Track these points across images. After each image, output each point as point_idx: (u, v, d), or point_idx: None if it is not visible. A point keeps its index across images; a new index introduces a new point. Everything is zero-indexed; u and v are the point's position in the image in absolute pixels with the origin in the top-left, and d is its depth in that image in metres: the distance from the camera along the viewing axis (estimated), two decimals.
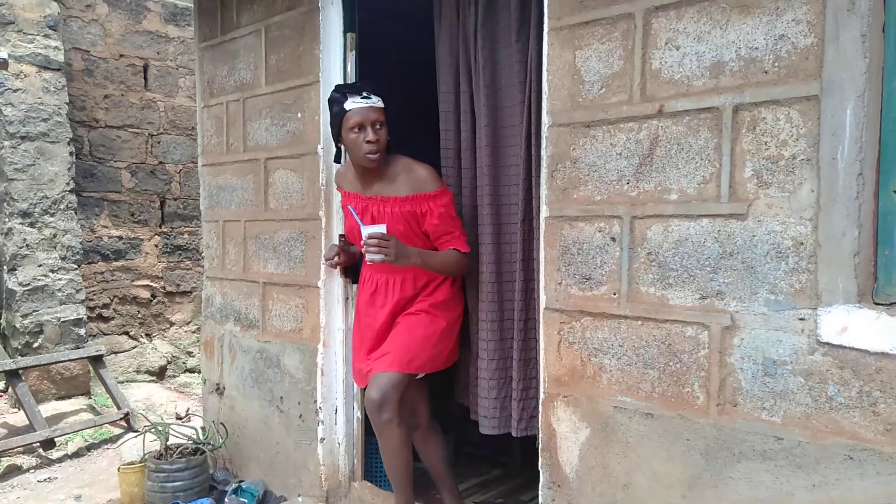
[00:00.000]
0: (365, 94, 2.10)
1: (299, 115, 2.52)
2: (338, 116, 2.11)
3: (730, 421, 1.53)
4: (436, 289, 2.19)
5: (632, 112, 1.66)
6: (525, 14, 2.05)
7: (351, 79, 2.41)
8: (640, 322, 1.67)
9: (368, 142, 2.07)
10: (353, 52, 2.42)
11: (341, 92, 2.12)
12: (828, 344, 1.40)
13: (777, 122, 1.45)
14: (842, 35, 1.35)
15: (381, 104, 2.12)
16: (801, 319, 1.43)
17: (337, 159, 2.29)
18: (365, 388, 2.19)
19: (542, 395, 1.87)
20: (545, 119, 1.82)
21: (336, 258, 2.30)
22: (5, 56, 3.30)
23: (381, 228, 2.03)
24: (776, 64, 1.45)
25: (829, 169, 1.38)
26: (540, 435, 1.88)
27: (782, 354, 1.46)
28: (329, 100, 2.16)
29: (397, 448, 2.12)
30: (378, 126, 2.09)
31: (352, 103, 2.08)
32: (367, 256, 2.03)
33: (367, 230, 2.02)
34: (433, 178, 2.14)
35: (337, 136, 2.16)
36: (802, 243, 1.42)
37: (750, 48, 1.48)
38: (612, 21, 1.68)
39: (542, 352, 1.87)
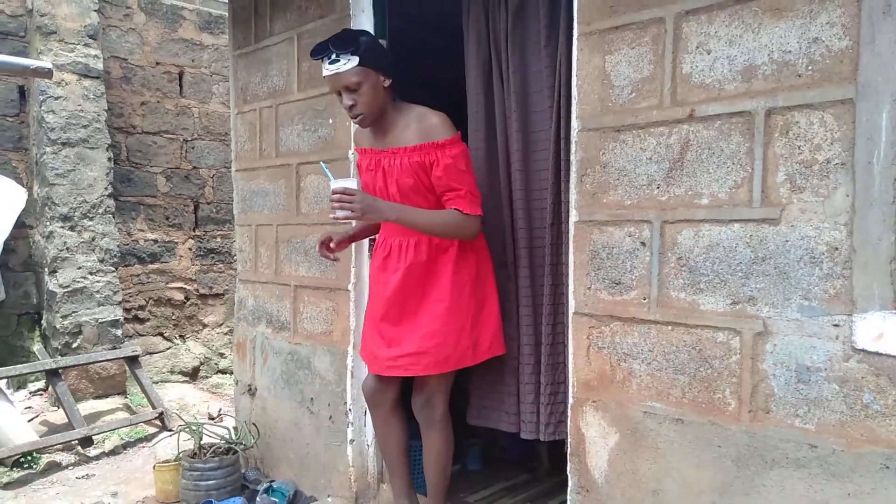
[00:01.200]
0: (334, 56, 1.90)
1: (330, 120, 2.56)
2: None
3: (762, 428, 1.51)
4: (458, 258, 2.02)
5: (662, 116, 1.66)
6: (554, 19, 2.06)
7: None
8: (670, 327, 1.66)
9: (346, 108, 1.95)
10: None
11: (315, 56, 1.95)
12: (863, 351, 1.38)
13: (811, 126, 1.43)
14: (877, 38, 1.34)
15: (351, 64, 1.88)
16: (836, 326, 1.41)
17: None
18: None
19: (570, 400, 1.87)
20: (574, 124, 1.82)
21: (323, 248, 2.11)
22: (49, 66, 3.41)
23: (350, 183, 1.89)
24: (810, 67, 1.43)
25: (864, 173, 1.36)
26: (569, 440, 1.88)
27: (816, 361, 1.44)
28: None
29: (441, 451, 2.11)
30: (353, 89, 1.91)
31: (324, 69, 1.94)
32: (332, 214, 1.91)
33: (333, 184, 1.89)
34: (444, 125, 1.96)
35: None
36: (837, 248, 1.41)
37: (783, 51, 1.47)
38: (642, 26, 1.68)
39: (570, 356, 1.87)
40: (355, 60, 1.89)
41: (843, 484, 1.40)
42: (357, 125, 2.01)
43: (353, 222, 2.23)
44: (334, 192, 1.87)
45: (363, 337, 2.22)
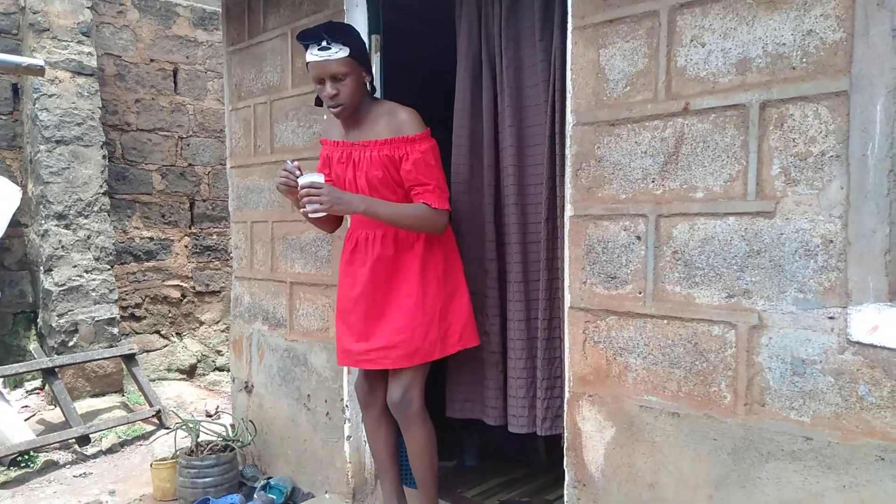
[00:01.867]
0: (325, 43, 1.90)
1: (325, 116, 2.55)
2: (306, 66, 1.99)
3: (758, 421, 1.52)
4: (426, 252, 2.04)
5: (657, 110, 1.65)
6: (548, 13, 2.05)
7: (378, 80, 2.43)
8: (665, 321, 1.66)
9: (328, 97, 1.95)
10: (378, 53, 2.44)
11: (301, 41, 1.95)
12: (858, 343, 1.38)
13: (805, 119, 1.43)
14: (872, 30, 1.33)
15: (342, 53, 1.90)
16: (831, 318, 1.41)
17: (317, 103, 2.10)
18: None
19: (567, 395, 1.87)
20: (569, 118, 1.82)
21: (284, 180, 1.97)
22: (42, 63, 3.39)
23: (317, 177, 1.90)
24: (804, 60, 1.43)
25: (859, 166, 1.36)
26: (565, 434, 1.88)
27: (811, 354, 1.44)
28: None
29: (424, 445, 2.11)
30: (339, 78, 1.92)
31: (310, 55, 1.93)
32: (301, 210, 1.92)
33: (301, 179, 1.89)
34: (414, 120, 1.99)
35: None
36: (832, 241, 1.41)
37: (777, 44, 1.46)
38: (637, 19, 1.68)
39: (566, 351, 1.87)
40: (346, 51, 1.91)
41: (838, 476, 1.41)
42: (334, 115, 2.01)
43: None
44: (302, 187, 1.88)
45: (336, 332, 2.23)
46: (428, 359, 2.07)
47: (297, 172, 1.97)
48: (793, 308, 1.46)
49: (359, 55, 1.96)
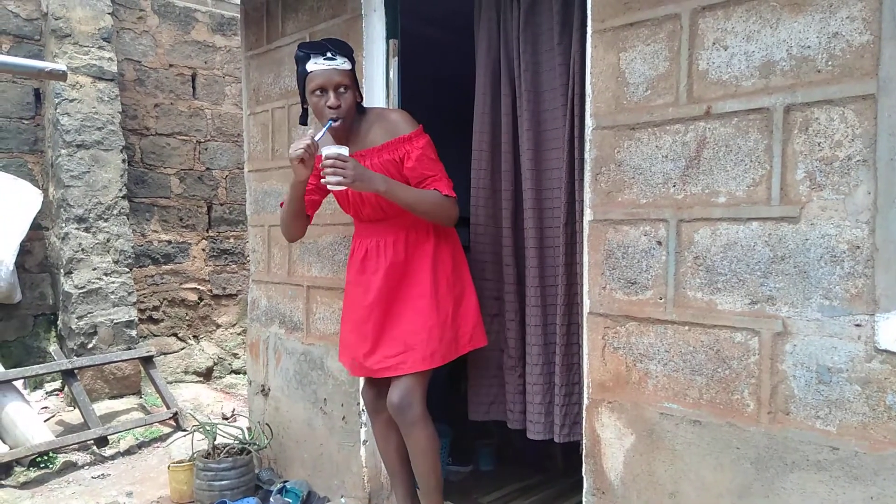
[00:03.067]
0: (329, 54, 1.94)
1: (339, 122, 2.55)
2: (301, 77, 1.99)
3: (782, 430, 1.49)
4: (435, 252, 2.04)
5: (678, 114, 1.63)
6: (567, 17, 2.04)
7: (393, 85, 2.44)
8: (687, 327, 1.64)
9: (330, 107, 1.94)
10: (396, 57, 2.44)
11: (304, 51, 1.98)
12: (886, 351, 1.35)
13: (831, 123, 1.41)
14: None
15: (346, 66, 1.96)
16: (858, 326, 1.38)
17: (303, 121, 2.11)
18: (355, 377, 2.10)
19: (585, 401, 1.85)
20: (589, 122, 1.81)
21: (304, 151, 1.88)
22: (64, 68, 3.44)
23: (343, 150, 1.86)
24: (830, 62, 1.41)
25: (887, 170, 1.33)
26: (584, 441, 1.86)
27: (837, 362, 1.41)
28: (294, 58, 2.02)
29: (426, 448, 2.06)
30: (342, 90, 1.95)
31: (313, 64, 1.94)
32: (324, 179, 1.86)
33: (326, 150, 1.85)
34: (406, 120, 2.01)
35: (303, 97, 2.03)
36: (859, 247, 1.38)
37: (802, 47, 1.44)
38: (658, 22, 1.66)
39: (585, 357, 1.85)
40: (349, 65, 1.98)
41: (865, 487, 1.38)
42: (334, 125, 1.99)
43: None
44: (327, 158, 1.84)
45: (341, 342, 2.21)
46: (445, 360, 2.04)
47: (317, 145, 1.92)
48: (818, 315, 1.44)
49: (354, 73, 2.02)
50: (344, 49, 1.99)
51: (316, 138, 1.92)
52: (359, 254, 2.12)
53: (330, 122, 1.95)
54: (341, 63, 1.95)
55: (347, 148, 1.89)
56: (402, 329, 2.03)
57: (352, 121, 2.04)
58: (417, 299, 2.03)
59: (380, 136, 2.01)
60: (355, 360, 2.12)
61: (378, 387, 2.18)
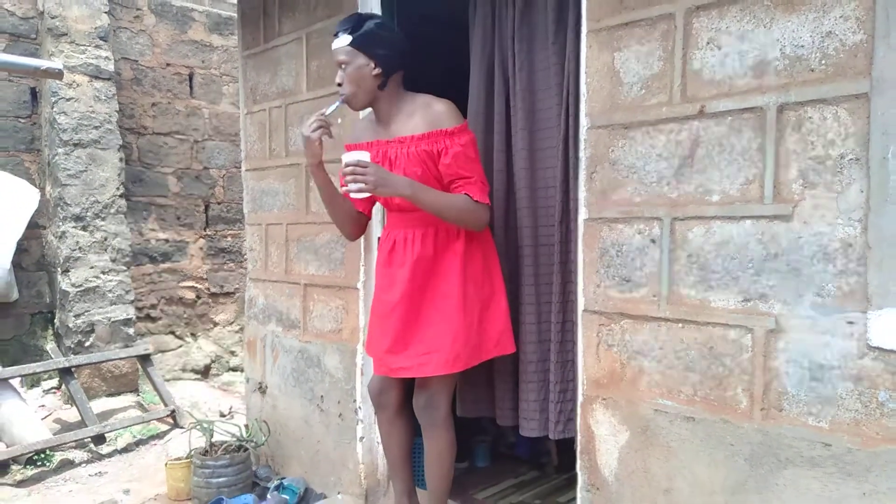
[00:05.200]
0: (338, 31, 1.93)
1: (339, 120, 2.56)
2: None
3: (775, 426, 1.50)
4: (465, 252, 1.98)
5: (672, 113, 1.64)
6: (562, 16, 2.05)
7: None
8: (680, 325, 1.65)
9: (338, 85, 1.95)
10: None
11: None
12: (878, 348, 1.36)
13: (824, 122, 1.42)
14: (893, 31, 1.32)
15: (343, 42, 1.90)
16: (850, 323, 1.39)
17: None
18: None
19: (580, 398, 1.86)
20: (583, 121, 1.81)
21: (319, 130, 1.90)
22: (60, 66, 3.44)
23: (363, 155, 1.82)
24: (823, 62, 1.42)
25: (879, 169, 1.34)
26: (578, 437, 1.87)
27: (830, 359, 1.42)
28: None
29: (443, 452, 2.08)
30: (344, 67, 1.92)
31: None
32: (344, 188, 1.83)
33: (346, 157, 1.81)
34: (452, 113, 1.92)
35: None
36: (851, 245, 1.39)
37: (795, 46, 1.45)
38: (652, 22, 1.67)
39: (580, 354, 1.86)
40: (347, 40, 1.91)
41: (858, 483, 1.39)
42: (350, 106, 2.01)
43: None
44: (347, 165, 1.79)
45: (369, 334, 2.16)
46: (469, 365, 1.99)
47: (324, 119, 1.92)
48: (811, 312, 1.45)
49: (363, 45, 1.91)
50: (349, 22, 1.94)
51: (326, 113, 1.91)
52: (386, 245, 2.06)
53: (338, 101, 1.95)
54: (341, 39, 1.91)
55: (368, 153, 1.85)
56: (426, 331, 1.96)
57: (365, 99, 1.97)
58: (444, 300, 1.96)
59: (422, 125, 1.93)
60: (379, 355, 2.06)
61: (384, 382, 2.14)
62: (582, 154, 1.82)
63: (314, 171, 2.00)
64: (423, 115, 1.94)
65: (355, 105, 2.01)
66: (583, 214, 1.83)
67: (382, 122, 2.04)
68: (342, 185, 1.86)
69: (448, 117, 1.92)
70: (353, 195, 1.85)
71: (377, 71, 1.94)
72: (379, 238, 2.16)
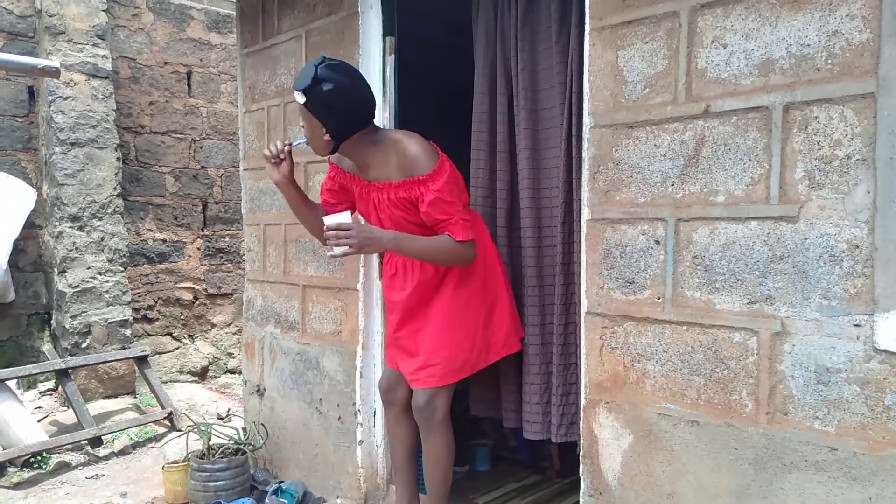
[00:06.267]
0: (294, 86, 1.88)
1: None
2: None
3: (780, 430, 1.48)
4: (462, 270, 2.02)
5: (676, 112, 1.62)
6: (565, 14, 2.03)
7: (390, 82, 2.41)
8: (685, 327, 1.63)
9: None
10: (392, 55, 2.43)
11: None
12: (885, 351, 1.34)
13: (830, 121, 1.40)
14: None
15: (300, 100, 1.86)
16: (857, 326, 1.38)
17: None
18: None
19: (583, 401, 1.84)
20: (587, 120, 1.80)
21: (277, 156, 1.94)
22: (57, 65, 3.41)
23: (343, 217, 1.84)
24: (829, 61, 1.40)
25: (886, 169, 1.33)
26: (581, 441, 1.85)
27: (836, 362, 1.41)
28: None
29: (441, 455, 2.09)
30: (301, 123, 1.95)
31: None
32: (330, 253, 1.86)
33: (327, 220, 1.83)
34: (423, 157, 1.89)
35: None
36: (858, 246, 1.37)
37: (801, 45, 1.43)
38: (656, 20, 1.65)
39: (583, 357, 1.84)
40: (302, 99, 1.86)
41: (864, 488, 1.37)
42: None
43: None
44: (328, 229, 1.81)
45: (386, 347, 2.29)
46: (474, 370, 2.09)
47: (286, 149, 1.96)
48: (817, 315, 1.43)
49: (315, 109, 1.86)
50: (302, 80, 1.84)
51: (293, 144, 1.96)
52: (388, 270, 2.13)
53: (304, 140, 1.99)
54: (297, 97, 1.86)
55: (349, 213, 1.89)
56: (430, 343, 2.05)
57: (323, 152, 1.97)
58: (443, 314, 2.04)
59: (396, 171, 1.93)
60: (396, 365, 2.18)
61: (391, 380, 2.22)
62: (585, 154, 1.81)
63: (280, 189, 2.03)
64: (397, 162, 1.93)
65: (320, 153, 2.01)
66: (586, 215, 1.81)
67: (359, 164, 2.03)
68: (325, 244, 1.90)
69: (420, 163, 1.89)
70: (339, 258, 1.93)
71: (327, 137, 1.91)
72: (382, 259, 2.22)
